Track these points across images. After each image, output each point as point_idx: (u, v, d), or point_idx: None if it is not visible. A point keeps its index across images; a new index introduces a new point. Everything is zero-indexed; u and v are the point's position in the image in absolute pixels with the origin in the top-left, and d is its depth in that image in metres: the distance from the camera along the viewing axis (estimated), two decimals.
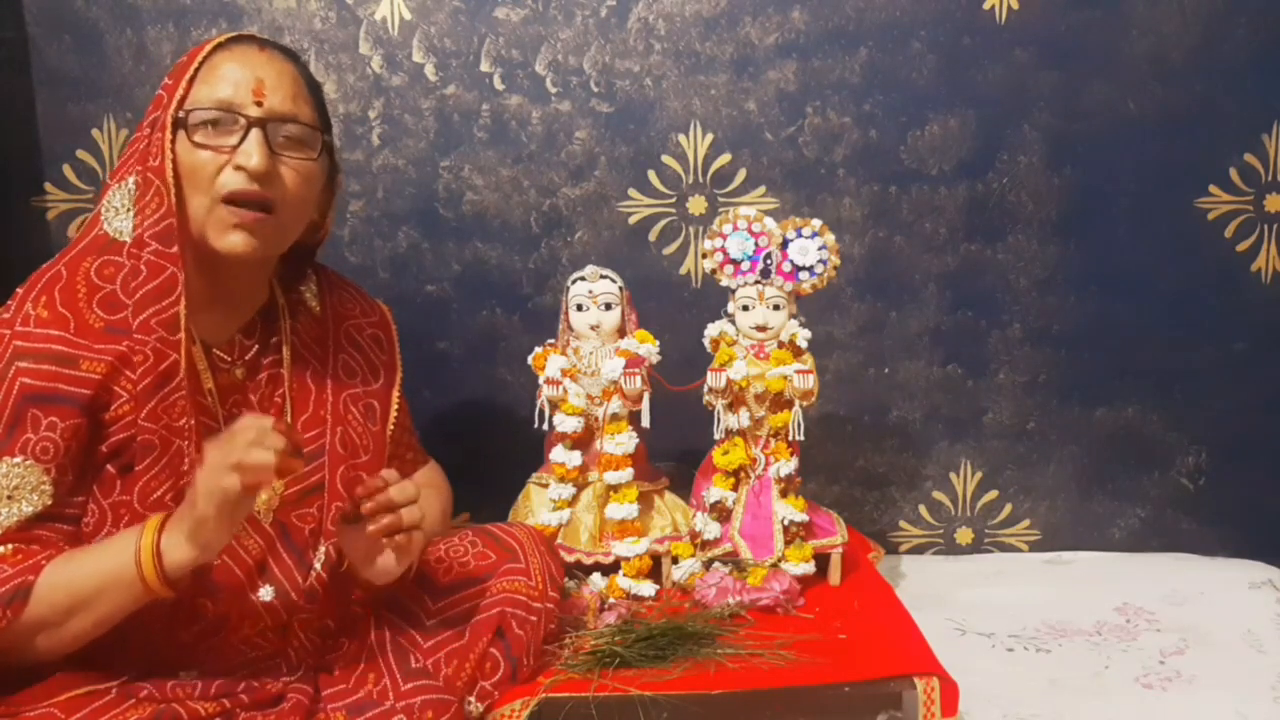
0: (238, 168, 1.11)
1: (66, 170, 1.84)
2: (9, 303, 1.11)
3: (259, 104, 1.12)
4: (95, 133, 1.84)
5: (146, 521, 1.05)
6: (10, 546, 1.05)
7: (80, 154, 1.84)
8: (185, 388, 1.11)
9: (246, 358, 1.21)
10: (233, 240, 1.12)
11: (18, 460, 1.05)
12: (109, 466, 1.10)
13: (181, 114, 1.11)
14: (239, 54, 1.14)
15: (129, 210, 1.13)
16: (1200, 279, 1.95)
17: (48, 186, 1.85)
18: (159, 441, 1.09)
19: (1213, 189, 1.94)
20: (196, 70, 1.13)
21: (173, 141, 1.11)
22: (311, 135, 1.17)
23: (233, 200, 1.11)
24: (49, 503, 1.07)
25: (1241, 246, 1.96)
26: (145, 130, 1.14)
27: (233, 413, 1.18)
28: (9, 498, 1.05)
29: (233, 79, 1.12)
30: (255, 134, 1.11)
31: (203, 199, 1.11)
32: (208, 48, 1.15)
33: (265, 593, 1.17)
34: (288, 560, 1.19)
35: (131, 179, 1.13)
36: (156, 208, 1.11)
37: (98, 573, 1.04)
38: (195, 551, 1.03)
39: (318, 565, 1.20)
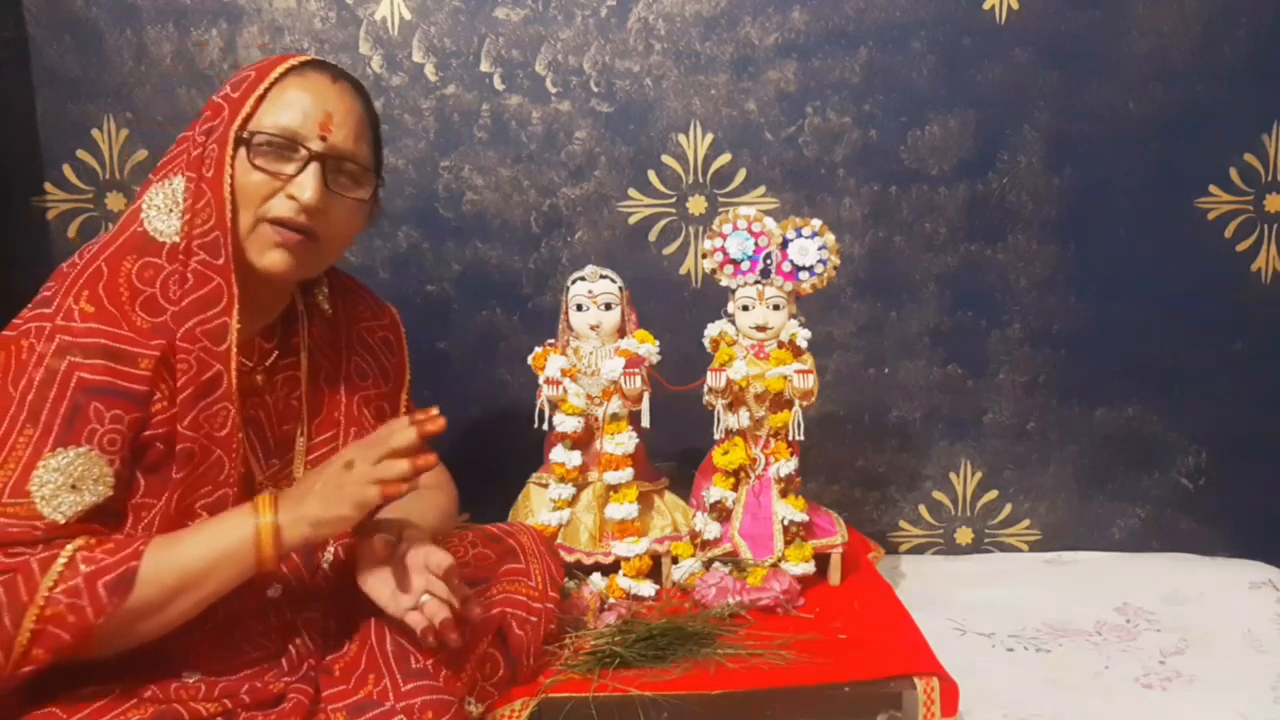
0: (290, 197, 1.11)
1: (66, 170, 1.84)
2: (43, 295, 1.10)
3: (324, 138, 1.12)
4: (95, 133, 1.84)
5: (256, 501, 1.09)
6: (86, 538, 1.04)
7: (80, 154, 1.84)
8: (230, 398, 1.11)
9: (267, 362, 1.21)
10: (272, 258, 1.13)
11: (82, 449, 1.05)
12: (133, 465, 1.10)
13: (245, 133, 1.11)
14: (312, 82, 1.14)
15: (172, 211, 1.12)
16: (1200, 279, 1.96)
17: (48, 186, 1.85)
18: (198, 450, 1.10)
19: (1213, 189, 1.94)
20: (266, 90, 1.12)
21: (232, 156, 1.11)
22: (366, 176, 1.17)
23: (278, 223, 1.12)
24: (110, 494, 1.07)
25: (1242, 246, 1.96)
26: (200, 137, 1.13)
27: (250, 415, 1.19)
28: (73, 487, 1.04)
29: (302, 108, 1.12)
30: (314, 168, 1.11)
31: (249, 216, 1.12)
32: (280, 68, 1.14)
33: (273, 590, 1.18)
34: (295, 558, 1.20)
35: (179, 180, 1.12)
36: (207, 219, 1.10)
37: (209, 552, 1.06)
38: (314, 536, 1.09)
39: (325, 564, 1.22)
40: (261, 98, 1.12)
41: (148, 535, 1.08)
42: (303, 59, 1.17)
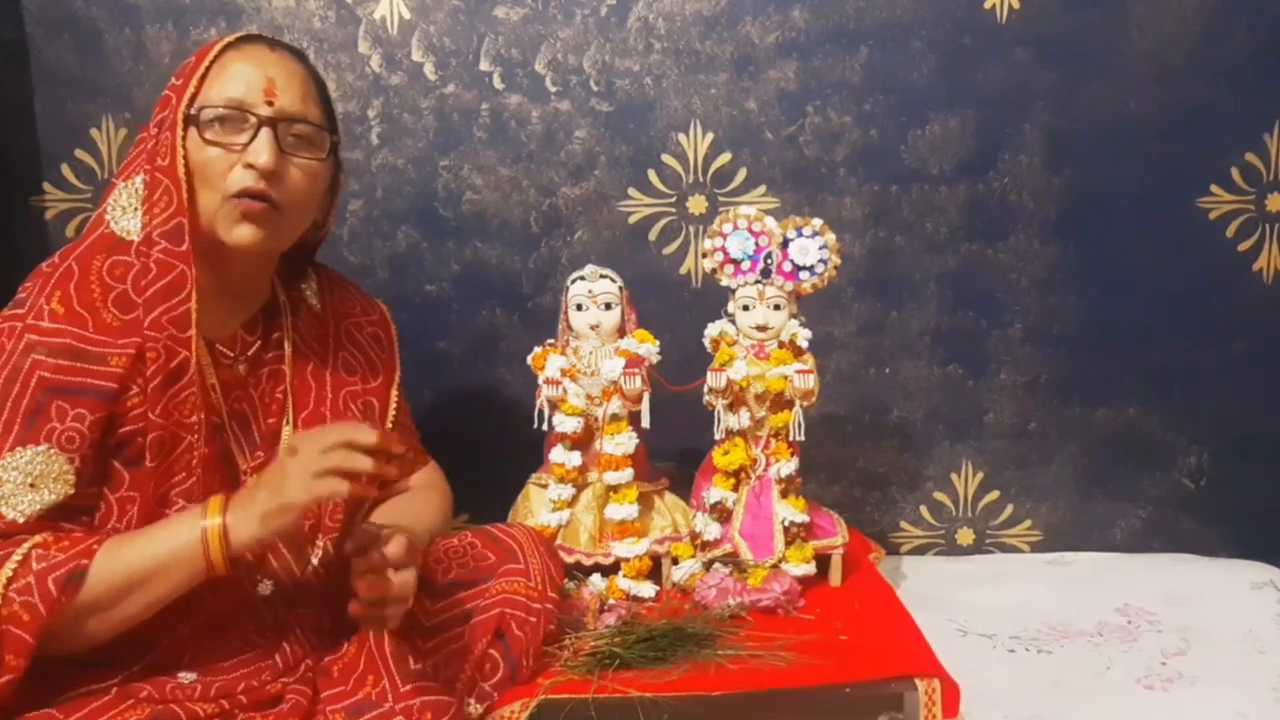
0: (247, 166, 1.11)
1: (66, 170, 1.84)
2: (18, 297, 1.11)
3: (270, 103, 1.13)
4: (94, 133, 1.84)
5: (207, 503, 1.07)
6: (49, 534, 1.05)
7: (79, 154, 1.84)
8: (195, 384, 1.12)
9: (249, 353, 1.22)
10: (241, 232, 1.13)
11: (41, 449, 1.05)
12: (114, 460, 1.11)
13: (193, 111, 1.12)
14: (250, 53, 1.15)
15: (136, 209, 1.13)
16: (1201, 279, 1.95)
17: (47, 186, 1.84)
18: (169, 438, 1.10)
19: (1214, 189, 1.94)
20: (207, 69, 1.14)
21: (183, 139, 1.12)
22: (320, 135, 1.18)
23: (240, 196, 1.12)
24: (70, 492, 1.07)
25: (1243, 246, 1.96)
26: (152, 130, 1.14)
27: (235, 408, 1.19)
28: (31, 485, 1.05)
29: (244, 78, 1.13)
30: (265, 133, 1.12)
31: (212, 195, 1.12)
32: (218, 47, 1.15)
33: (263, 587, 1.18)
34: (286, 555, 1.20)
35: (138, 178, 1.14)
36: (165, 206, 1.11)
37: (158, 553, 1.05)
38: (263, 532, 1.06)
39: (314, 560, 1.21)
40: (204, 77, 1.13)
41: (105, 534, 1.08)
42: (239, 35, 1.18)
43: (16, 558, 1.01)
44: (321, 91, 1.21)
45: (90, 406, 1.07)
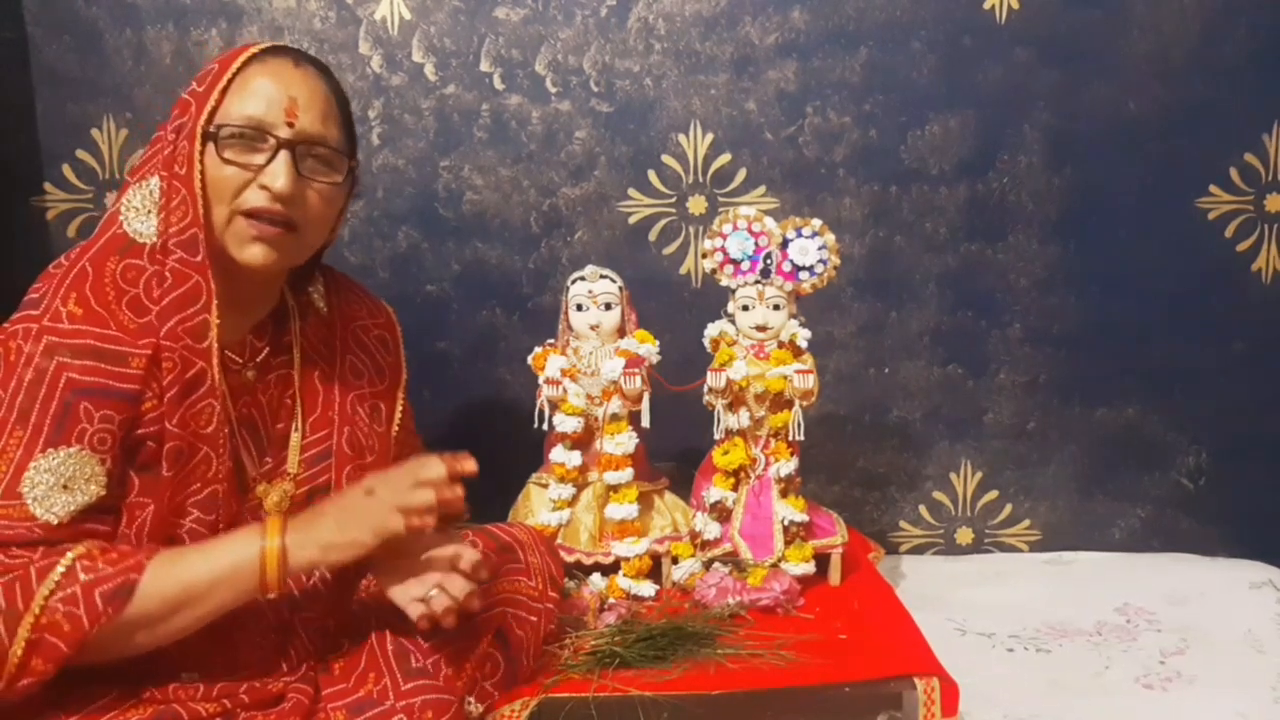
0: (263, 187, 1.10)
1: (66, 170, 1.84)
2: (30, 298, 1.10)
3: (290, 124, 1.11)
4: (95, 133, 1.84)
5: (266, 522, 1.09)
6: (92, 544, 1.04)
7: (80, 154, 1.84)
8: (214, 395, 1.11)
9: (258, 359, 1.21)
10: (252, 252, 1.12)
11: (74, 450, 1.04)
12: (126, 464, 1.10)
13: (211, 128, 1.11)
14: (274, 68, 1.13)
15: (150, 212, 1.12)
16: (1200, 279, 1.96)
17: (47, 186, 1.85)
18: (185, 447, 1.10)
19: (1213, 189, 1.94)
20: (230, 80, 1.12)
21: (200, 152, 1.10)
22: (338, 159, 1.16)
23: (253, 215, 1.11)
24: (102, 493, 1.06)
25: (1242, 246, 1.96)
26: (170, 135, 1.13)
27: (244, 413, 1.19)
28: (64, 487, 1.04)
29: (266, 96, 1.11)
30: (284, 156, 1.11)
31: (224, 210, 1.11)
32: (242, 57, 1.13)
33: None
34: None
35: (154, 180, 1.12)
36: (182, 216, 1.10)
37: (213, 570, 1.06)
38: (323, 561, 1.10)
39: None
40: (225, 89, 1.11)
41: (152, 547, 1.07)
42: (264, 46, 1.16)
43: (61, 568, 1.00)
44: (344, 111, 1.19)
45: (116, 407, 1.06)
